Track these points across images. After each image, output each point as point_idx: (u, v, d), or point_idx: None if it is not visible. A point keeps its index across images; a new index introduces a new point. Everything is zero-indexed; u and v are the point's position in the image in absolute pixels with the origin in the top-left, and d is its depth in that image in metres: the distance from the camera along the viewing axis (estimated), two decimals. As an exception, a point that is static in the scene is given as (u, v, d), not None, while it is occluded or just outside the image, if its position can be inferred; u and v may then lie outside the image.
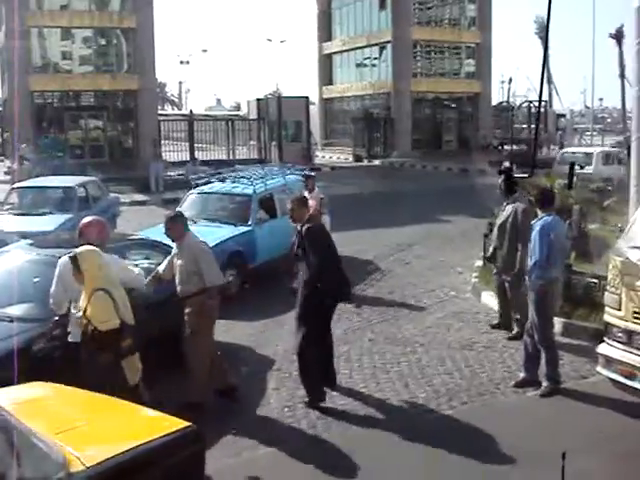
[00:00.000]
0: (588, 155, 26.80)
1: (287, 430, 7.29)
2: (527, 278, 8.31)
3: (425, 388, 8.24)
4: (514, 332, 9.91)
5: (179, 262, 7.86)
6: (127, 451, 4.15)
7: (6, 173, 32.40)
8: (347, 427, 7.33)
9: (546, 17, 9.77)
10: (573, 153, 28.35)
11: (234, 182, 14.38)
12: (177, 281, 7.89)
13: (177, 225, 7.94)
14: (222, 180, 14.72)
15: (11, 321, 7.01)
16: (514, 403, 7.93)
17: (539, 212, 8.31)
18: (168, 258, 8.13)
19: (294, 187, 13.93)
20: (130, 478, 4.15)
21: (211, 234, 11.86)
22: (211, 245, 10.91)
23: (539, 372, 8.18)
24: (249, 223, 13.11)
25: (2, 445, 3.49)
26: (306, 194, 12.28)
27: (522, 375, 8.32)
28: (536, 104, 51.34)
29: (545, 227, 8.03)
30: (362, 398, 8.02)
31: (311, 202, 11.94)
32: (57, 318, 6.91)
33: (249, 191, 13.66)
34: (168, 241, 8.56)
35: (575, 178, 14.25)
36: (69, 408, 5.00)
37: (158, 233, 9.69)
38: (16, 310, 7.23)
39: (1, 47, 42.34)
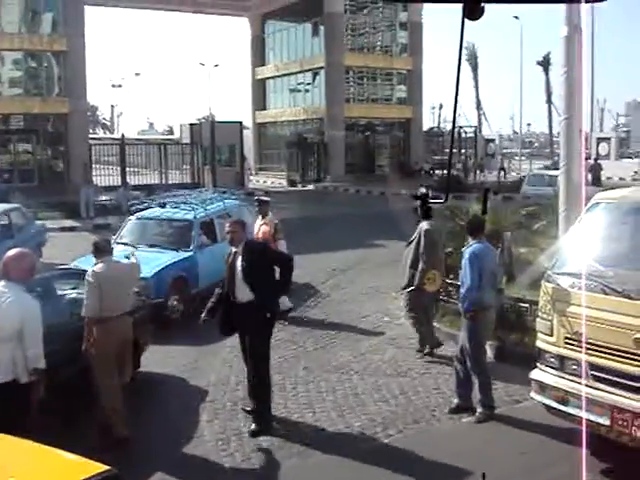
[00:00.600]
0: (552, 177, 27.33)
1: (221, 466, 7.13)
2: (460, 305, 8.38)
3: (361, 417, 8.17)
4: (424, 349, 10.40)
5: None
6: None
7: None
8: (282, 459, 7.22)
9: (459, 42, 9.81)
10: (542, 176, 29.63)
11: (175, 207, 14.42)
12: None
13: (94, 252, 7.91)
14: (162, 205, 14.70)
15: None
16: (450, 430, 7.92)
17: (469, 239, 8.40)
18: None
19: (233, 212, 13.95)
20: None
21: (153, 260, 12.15)
22: (155, 270, 11.89)
23: (473, 398, 8.21)
24: (191, 248, 13.16)
25: None
26: (259, 219, 12.53)
27: (456, 401, 8.33)
28: (467, 129, 52.73)
29: (475, 254, 8.12)
30: (298, 429, 7.92)
31: (265, 228, 12.22)
32: None
33: (190, 216, 13.72)
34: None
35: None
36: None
37: (85, 264, 9.85)
38: None
39: None
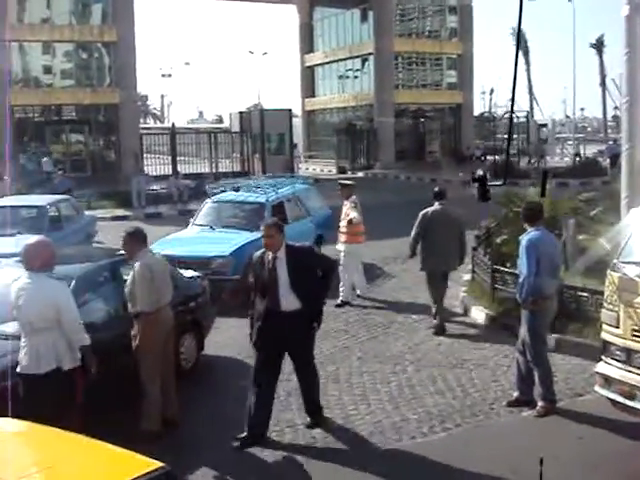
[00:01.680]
0: None
1: (275, 458, 7.01)
2: (517, 295, 8.09)
3: (417, 409, 7.99)
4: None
5: (129, 279, 7.64)
6: None
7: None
8: (338, 452, 7.08)
9: (517, 26, 9.58)
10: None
11: (248, 191, 15.28)
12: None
13: (130, 241, 7.59)
14: (236, 189, 15.62)
15: (6, 338, 6.78)
16: (509, 424, 7.69)
17: (527, 226, 8.07)
18: None
19: (303, 194, 15.88)
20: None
21: (231, 239, 13.36)
22: (233, 249, 12.91)
23: (533, 391, 7.96)
24: (262, 229, 13.16)
25: None
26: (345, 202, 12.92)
27: (516, 395, 8.09)
28: (519, 114, 51.89)
29: (532, 242, 7.80)
30: (352, 421, 7.77)
31: (349, 212, 12.72)
32: None
33: (262, 199, 14.61)
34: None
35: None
36: (31, 449, 4.64)
37: (163, 245, 12.32)
38: (11, 327, 6.90)
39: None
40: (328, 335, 10.83)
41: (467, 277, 13.13)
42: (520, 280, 7.94)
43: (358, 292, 13.05)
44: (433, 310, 11.12)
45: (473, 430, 7.53)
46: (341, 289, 12.62)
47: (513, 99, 12.12)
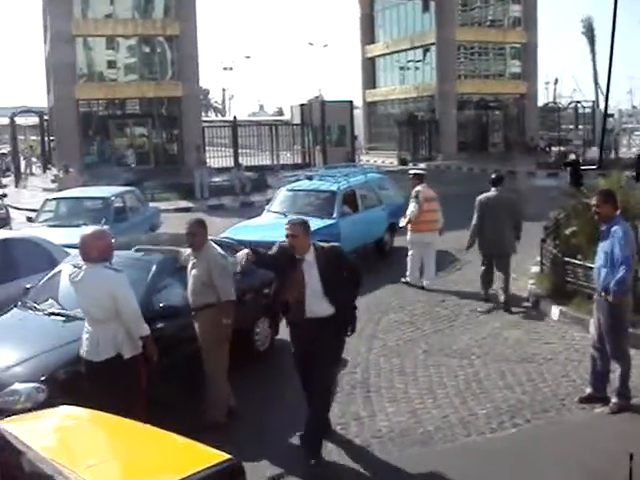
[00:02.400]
0: None
1: (341, 451, 6.91)
2: (598, 287, 7.65)
3: (485, 404, 7.80)
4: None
5: (194, 272, 7.46)
6: None
7: (52, 181, 32.66)
8: (403, 447, 6.94)
9: (612, 20, 9.25)
10: None
11: (320, 180, 15.93)
12: (189, 291, 7.54)
13: (202, 231, 7.50)
14: (309, 178, 16.36)
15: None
16: (581, 421, 7.45)
17: (604, 214, 7.60)
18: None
19: (375, 183, 16.30)
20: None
21: None
22: None
23: (607, 388, 7.69)
24: (334, 216, 14.36)
25: None
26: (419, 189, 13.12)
27: (588, 391, 7.82)
28: (584, 104, 50.81)
29: (626, 230, 7.35)
30: (419, 415, 7.62)
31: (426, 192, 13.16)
32: None
33: (334, 188, 15.04)
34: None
35: None
36: (98, 438, 4.62)
37: (237, 232, 13.35)
38: None
39: (47, 56, 42.78)
40: (393, 327, 10.73)
41: (535, 269, 12.82)
42: (621, 274, 7.21)
43: (424, 283, 13.07)
44: (482, 292, 11.96)
45: (544, 426, 7.32)
46: (407, 273, 13.23)
47: (609, 81, 11.74)
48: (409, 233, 13.19)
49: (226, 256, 7.66)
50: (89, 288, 6.32)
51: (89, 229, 6.72)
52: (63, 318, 7.48)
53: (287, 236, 6.59)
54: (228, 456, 4.32)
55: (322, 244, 6.86)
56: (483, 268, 11.96)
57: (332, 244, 7.07)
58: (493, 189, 11.73)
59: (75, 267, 6.62)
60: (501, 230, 11.44)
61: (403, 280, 13.25)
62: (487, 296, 11.87)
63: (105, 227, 7.17)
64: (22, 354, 6.78)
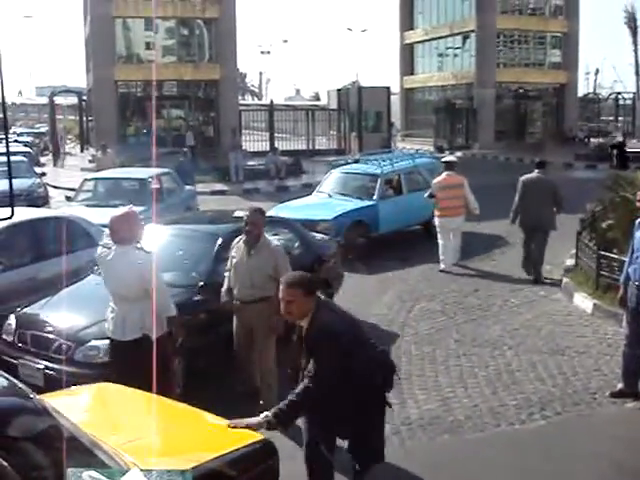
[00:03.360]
0: None
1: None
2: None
3: (516, 395, 7.79)
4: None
5: (252, 262, 7.29)
6: (200, 466, 3.78)
7: (90, 161, 33.01)
8: (433, 434, 6.98)
9: None
10: None
11: (366, 164, 17.00)
12: (245, 283, 7.33)
13: (261, 220, 7.45)
14: (357, 161, 17.71)
15: None
16: (612, 415, 7.42)
17: None
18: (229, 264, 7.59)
19: (424, 168, 16.63)
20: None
21: (337, 206, 14.95)
22: (334, 215, 14.33)
23: (639, 383, 7.65)
24: (374, 198, 15.26)
25: (56, 456, 3.19)
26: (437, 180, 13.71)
27: (620, 386, 7.77)
28: (625, 96, 50.08)
29: None
30: (449, 403, 7.65)
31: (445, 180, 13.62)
32: (203, 281, 8.05)
33: (377, 171, 15.93)
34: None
35: None
36: (136, 414, 4.72)
37: (282, 210, 14.30)
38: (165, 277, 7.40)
39: (86, 37, 43.11)
40: (425, 316, 10.74)
41: (570, 262, 12.74)
42: None
43: (441, 266, 13.41)
44: (523, 267, 12.77)
45: (574, 419, 7.30)
46: (441, 258, 13.56)
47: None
48: (436, 220, 13.75)
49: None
50: (119, 268, 6.36)
51: (118, 210, 6.74)
52: None
53: (281, 299, 5.00)
54: (261, 436, 4.40)
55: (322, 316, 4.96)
56: (524, 249, 12.80)
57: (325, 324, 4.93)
58: (536, 171, 12.65)
59: (104, 247, 6.74)
60: (540, 209, 12.25)
61: (439, 269, 13.43)
62: (529, 275, 12.60)
63: (136, 208, 7.14)
64: (98, 315, 7.10)
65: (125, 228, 6.39)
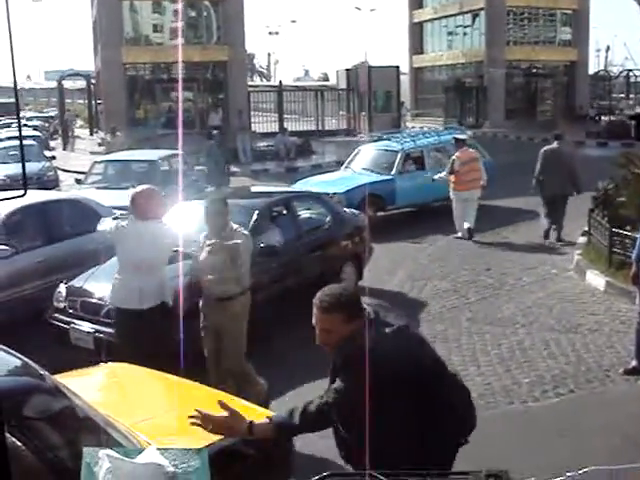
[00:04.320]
0: None
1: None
2: None
3: (529, 373, 7.79)
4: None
5: (218, 256, 6.73)
6: (213, 444, 3.75)
7: (99, 144, 33.03)
8: (446, 413, 6.97)
9: None
10: None
11: (390, 140, 17.80)
12: (212, 279, 6.81)
13: (224, 209, 6.87)
14: (380, 138, 18.75)
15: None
16: (625, 392, 7.40)
17: None
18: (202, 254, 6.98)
19: (448, 145, 16.55)
20: (217, 473, 3.78)
21: (352, 180, 15.62)
22: (346, 188, 14.90)
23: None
24: (392, 173, 15.99)
25: (71, 436, 3.20)
26: (456, 155, 14.31)
27: (633, 363, 7.74)
28: (636, 73, 49.69)
29: None
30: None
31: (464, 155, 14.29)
32: None
33: (397, 147, 16.72)
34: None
35: None
36: (149, 393, 4.72)
37: (304, 184, 15.34)
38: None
39: (94, 20, 43.00)
40: (437, 295, 10.73)
41: (582, 240, 12.69)
42: None
43: (465, 225, 14.15)
44: (544, 232, 13.74)
45: (587, 396, 7.29)
46: (457, 228, 14.37)
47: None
48: (451, 191, 14.38)
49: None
50: (143, 241, 6.49)
51: (140, 187, 6.92)
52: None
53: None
54: (272, 414, 4.40)
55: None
56: (546, 207, 13.83)
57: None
58: (555, 142, 14.02)
59: (117, 221, 6.98)
60: (560, 175, 13.29)
61: (454, 236, 14.20)
62: (547, 235, 13.69)
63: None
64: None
65: (148, 203, 6.61)
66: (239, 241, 6.62)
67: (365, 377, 3.23)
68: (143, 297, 6.50)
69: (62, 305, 8.16)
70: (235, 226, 6.88)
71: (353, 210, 11.89)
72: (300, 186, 15.08)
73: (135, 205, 6.64)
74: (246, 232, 6.95)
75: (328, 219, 10.63)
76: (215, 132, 20.50)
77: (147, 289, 6.51)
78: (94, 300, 7.93)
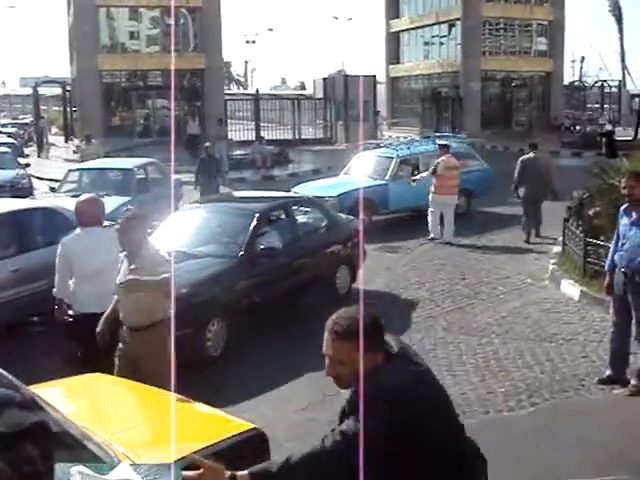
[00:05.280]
0: None
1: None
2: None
3: (504, 382, 7.81)
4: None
5: (140, 294, 6.00)
6: (189, 455, 3.73)
7: (74, 152, 32.80)
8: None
9: None
10: None
11: (387, 147, 19.25)
12: (128, 305, 6.12)
13: (137, 225, 6.16)
14: (378, 146, 20.14)
15: (205, 257, 9.17)
16: (600, 401, 7.43)
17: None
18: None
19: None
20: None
21: (346, 185, 16.10)
22: (339, 192, 15.46)
23: (626, 370, 7.67)
24: (386, 178, 16.62)
25: (47, 449, 3.15)
26: (442, 159, 14.83)
27: (608, 372, 7.79)
28: (610, 83, 50.16)
29: None
30: (437, 392, 7.63)
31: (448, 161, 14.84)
32: (243, 251, 9.13)
33: (392, 154, 17.52)
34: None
35: None
36: (126, 405, 4.68)
37: (302, 188, 16.16)
38: (207, 249, 9.44)
39: (70, 27, 42.77)
40: (413, 304, 10.74)
41: (557, 249, 12.77)
42: None
43: (446, 238, 14.71)
44: (523, 236, 14.68)
45: (562, 406, 7.32)
46: (430, 229, 14.99)
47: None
48: (430, 195, 14.86)
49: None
50: (93, 246, 6.85)
51: (83, 196, 7.56)
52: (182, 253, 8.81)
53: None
54: (252, 425, 4.38)
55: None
56: (524, 217, 14.89)
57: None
58: (531, 152, 15.11)
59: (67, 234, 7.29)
60: (537, 182, 14.44)
61: (428, 238, 14.82)
62: (528, 240, 14.56)
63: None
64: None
65: (91, 210, 7.13)
66: (167, 275, 5.76)
67: (389, 423, 2.81)
68: (101, 301, 6.52)
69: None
70: (156, 247, 6.43)
71: (348, 215, 12.32)
72: (299, 189, 16.00)
73: (79, 213, 7.14)
74: (167, 256, 6.27)
75: (324, 223, 11.24)
76: (208, 145, 20.12)
77: (104, 293, 6.50)
78: None
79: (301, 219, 11.09)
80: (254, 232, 9.47)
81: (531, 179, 14.46)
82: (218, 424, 4.29)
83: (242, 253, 9.20)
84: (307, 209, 11.48)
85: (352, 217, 12.06)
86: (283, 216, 10.64)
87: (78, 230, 7.14)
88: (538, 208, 14.73)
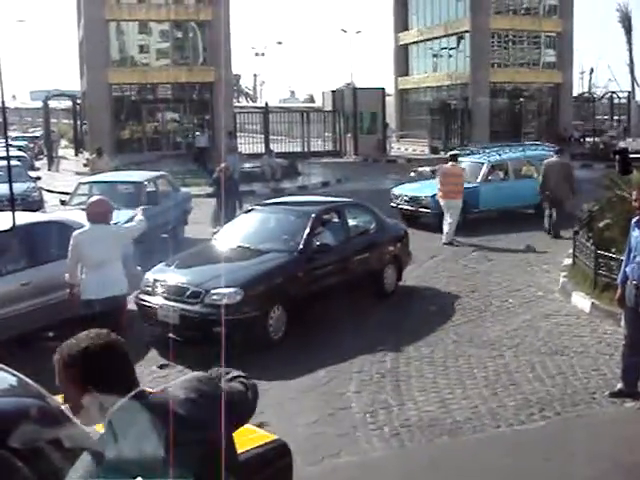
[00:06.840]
0: None
1: (369, 438, 6.93)
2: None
3: (515, 396, 7.76)
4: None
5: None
6: None
7: (85, 165, 32.92)
8: (432, 436, 6.94)
9: None
10: None
11: (476, 154, 20.80)
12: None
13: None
14: (472, 152, 21.64)
15: (267, 252, 10.35)
16: (611, 415, 7.40)
17: None
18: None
19: (535, 159, 19.26)
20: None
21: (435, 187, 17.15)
22: (432, 194, 17.31)
23: (638, 383, 7.62)
24: (478, 181, 18.33)
25: (74, 461, 3.14)
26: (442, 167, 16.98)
27: (619, 386, 7.75)
28: (619, 95, 50.09)
29: None
30: (448, 405, 7.61)
31: (448, 169, 16.55)
32: (301, 247, 10.27)
33: (483, 160, 19.30)
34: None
35: None
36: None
37: (406, 189, 19.21)
38: (270, 245, 10.61)
39: (80, 40, 43.02)
40: (422, 317, 10.71)
41: (568, 262, 12.72)
42: None
43: (443, 239, 15.91)
44: (547, 229, 16.36)
45: (573, 419, 7.28)
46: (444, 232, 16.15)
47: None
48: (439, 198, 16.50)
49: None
50: (102, 239, 7.72)
51: (93, 198, 8.57)
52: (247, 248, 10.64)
53: None
54: (275, 437, 4.37)
55: None
56: (546, 217, 16.47)
57: None
58: (555, 156, 16.96)
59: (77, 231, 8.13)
60: (560, 184, 15.97)
61: (443, 242, 15.96)
62: (550, 231, 16.22)
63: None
64: (216, 271, 9.73)
65: (99, 209, 7.95)
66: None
67: None
68: (105, 288, 7.60)
69: (149, 289, 9.73)
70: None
71: (394, 220, 13.64)
72: (398, 190, 18.92)
73: (89, 211, 7.98)
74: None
75: (373, 226, 12.14)
76: (224, 165, 17.29)
77: (107, 281, 7.64)
78: (180, 284, 9.58)
79: (352, 221, 11.93)
80: (311, 231, 10.62)
81: (555, 181, 15.97)
82: (242, 435, 4.28)
83: (300, 249, 10.31)
84: (358, 212, 12.38)
85: (398, 221, 13.57)
86: (336, 218, 11.65)
87: (88, 225, 7.99)
88: (561, 209, 16.01)
